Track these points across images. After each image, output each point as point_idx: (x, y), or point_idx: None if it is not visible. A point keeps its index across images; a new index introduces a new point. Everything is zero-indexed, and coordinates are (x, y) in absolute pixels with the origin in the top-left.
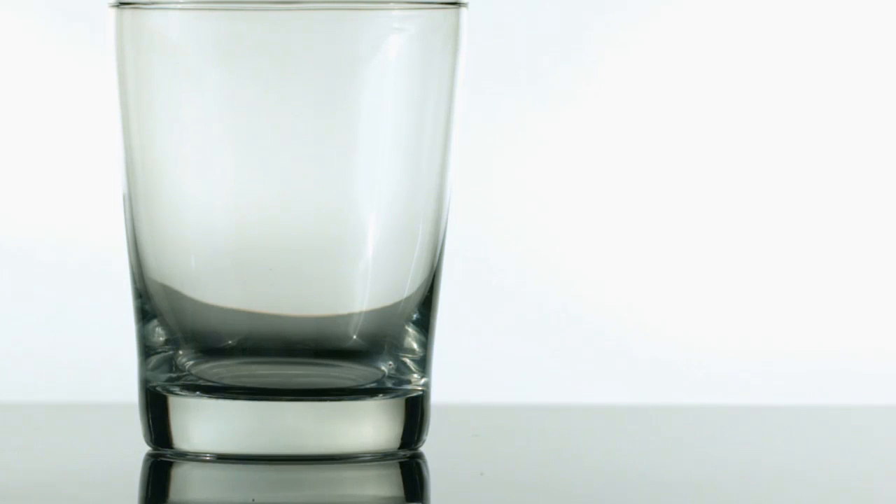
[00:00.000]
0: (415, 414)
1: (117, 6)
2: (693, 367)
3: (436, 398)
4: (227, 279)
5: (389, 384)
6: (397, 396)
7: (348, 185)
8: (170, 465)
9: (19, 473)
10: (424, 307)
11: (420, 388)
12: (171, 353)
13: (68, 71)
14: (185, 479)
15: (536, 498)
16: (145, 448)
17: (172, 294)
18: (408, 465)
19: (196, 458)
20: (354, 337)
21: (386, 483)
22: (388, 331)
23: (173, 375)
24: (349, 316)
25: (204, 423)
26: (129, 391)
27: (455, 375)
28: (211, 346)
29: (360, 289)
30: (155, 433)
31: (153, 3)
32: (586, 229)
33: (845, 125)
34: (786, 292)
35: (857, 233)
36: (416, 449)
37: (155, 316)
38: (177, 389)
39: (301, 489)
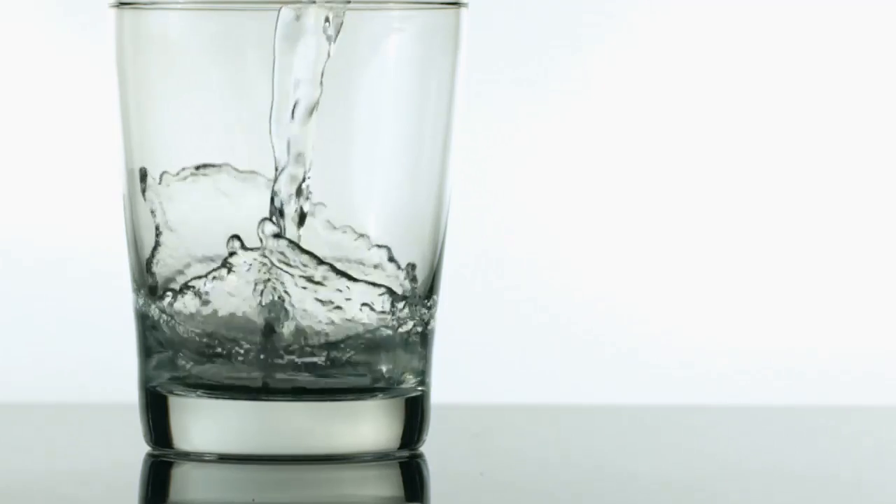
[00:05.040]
0: (415, 414)
1: (117, 6)
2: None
3: (436, 398)
4: (227, 279)
5: (389, 384)
6: (397, 396)
7: (348, 185)
8: (170, 465)
9: (19, 473)
10: (424, 307)
11: (420, 388)
12: (171, 353)
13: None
14: (185, 479)
15: (536, 498)
16: (145, 448)
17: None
18: (408, 465)
19: (196, 458)
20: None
21: (386, 483)
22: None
23: (173, 375)
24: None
25: (204, 423)
26: (129, 391)
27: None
28: (211, 346)
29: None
30: (155, 433)
31: (153, 3)
32: (588, 230)
33: (844, 126)
34: (785, 292)
35: (857, 233)
36: (415, 449)
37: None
38: (177, 389)
39: (301, 489)
